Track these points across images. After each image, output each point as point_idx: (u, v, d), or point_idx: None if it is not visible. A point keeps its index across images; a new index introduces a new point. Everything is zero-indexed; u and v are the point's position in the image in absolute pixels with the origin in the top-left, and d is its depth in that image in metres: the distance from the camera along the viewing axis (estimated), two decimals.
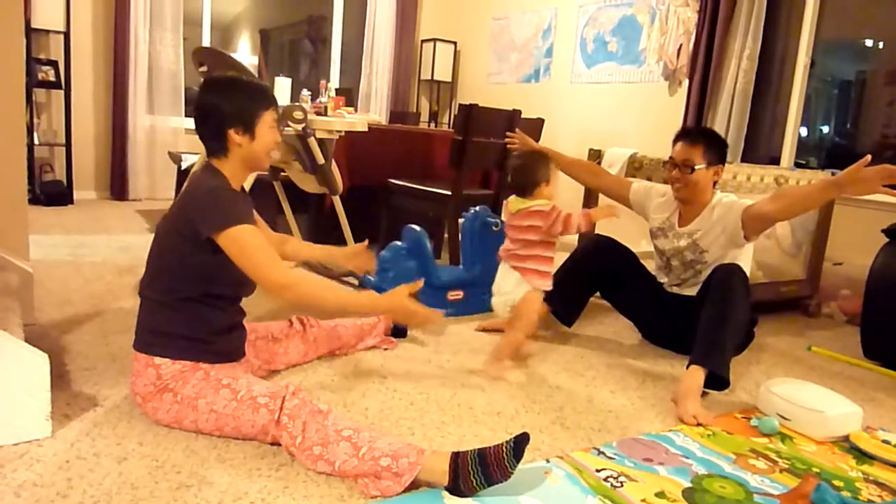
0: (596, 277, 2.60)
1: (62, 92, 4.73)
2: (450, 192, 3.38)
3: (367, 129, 3.30)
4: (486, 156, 3.59)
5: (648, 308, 2.58)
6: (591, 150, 3.23)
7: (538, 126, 4.59)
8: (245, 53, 7.10)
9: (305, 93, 3.36)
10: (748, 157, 4.26)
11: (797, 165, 4.13)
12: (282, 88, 3.36)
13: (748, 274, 2.28)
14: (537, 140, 4.54)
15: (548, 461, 1.59)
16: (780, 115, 4.23)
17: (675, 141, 2.38)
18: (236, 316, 1.75)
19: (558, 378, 2.17)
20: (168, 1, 5.20)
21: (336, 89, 5.20)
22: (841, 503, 1.46)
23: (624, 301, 2.66)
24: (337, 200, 3.20)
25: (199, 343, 1.61)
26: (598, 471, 1.56)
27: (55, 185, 4.81)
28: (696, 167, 2.30)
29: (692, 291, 2.39)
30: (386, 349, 2.30)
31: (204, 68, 2.93)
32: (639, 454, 1.67)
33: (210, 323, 1.62)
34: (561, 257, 2.77)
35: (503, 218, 2.28)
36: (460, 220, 3.04)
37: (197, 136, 1.68)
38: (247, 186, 2.78)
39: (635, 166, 3.11)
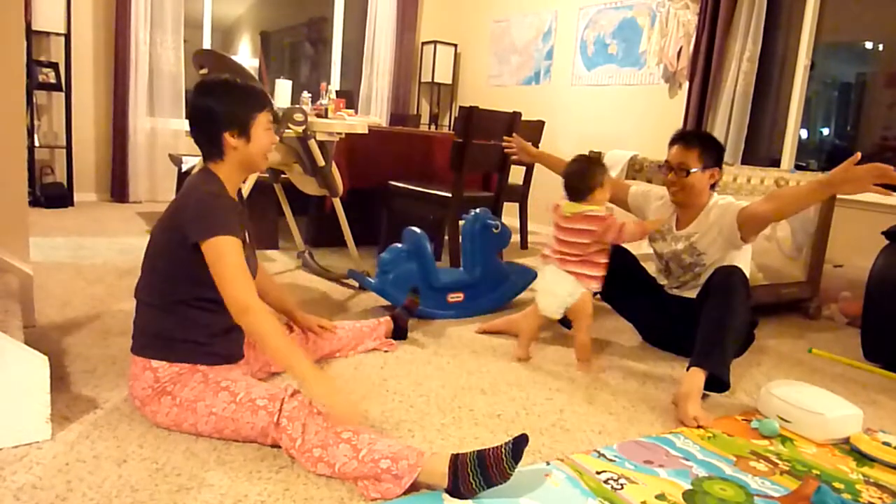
0: None
1: (63, 94, 4.74)
2: (450, 195, 3.39)
3: (367, 132, 3.30)
4: (486, 158, 3.60)
5: (648, 310, 2.58)
6: (591, 152, 3.22)
7: (539, 128, 4.60)
8: (245, 56, 7.11)
9: (306, 95, 3.36)
10: (748, 159, 4.26)
11: (797, 168, 4.13)
12: (282, 91, 3.36)
13: (748, 276, 2.28)
14: (537, 142, 4.56)
15: (548, 463, 1.59)
16: (780, 117, 4.23)
17: (671, 144, 2.38)
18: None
19: (558, 380, 2.17)
20: (169, 3, 5.21)
21: (336, 91, 5.20)
22: None
23: (624, 303, 2.66)
24: (337, 203, 3.21)
25: (196, 345, 1.61)
26: (598, 473, 1.56)
27: (56, 187, 4.81)
28: (692, 170, 2.30)
29: (692, 294, 2.39)
30: (386, 351, 2.30)
31: (204, 70, 2.94)
32: (639, 456, 1.67)
33: (207, 326, 1.62)
34: None
35: (554, 220, 2.28)
36: (461, 223, 3.05)
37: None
38: (246, 189, 2.80)
39: (636, 168, 3.11)
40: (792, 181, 3.09)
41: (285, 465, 1.47)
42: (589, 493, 1.47)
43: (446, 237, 3.66)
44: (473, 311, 2.83)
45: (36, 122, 4.74)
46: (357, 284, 3.09)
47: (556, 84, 5.61)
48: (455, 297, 2.81)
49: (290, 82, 3.40)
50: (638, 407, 2.01)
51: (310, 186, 3.28)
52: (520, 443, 1.39)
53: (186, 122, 5.32)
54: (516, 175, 4.32)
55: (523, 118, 3.71)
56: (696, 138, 2.36)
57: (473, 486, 1.36)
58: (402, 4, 6.32)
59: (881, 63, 4.02)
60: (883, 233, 2.75)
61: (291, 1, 7.39)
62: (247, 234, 1.72)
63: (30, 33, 4.43)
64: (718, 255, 2.34)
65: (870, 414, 2.08)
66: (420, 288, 2.63)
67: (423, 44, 6.59)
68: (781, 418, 1.94)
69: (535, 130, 4.57)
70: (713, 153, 2.34)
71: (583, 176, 2.21)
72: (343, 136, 3.23)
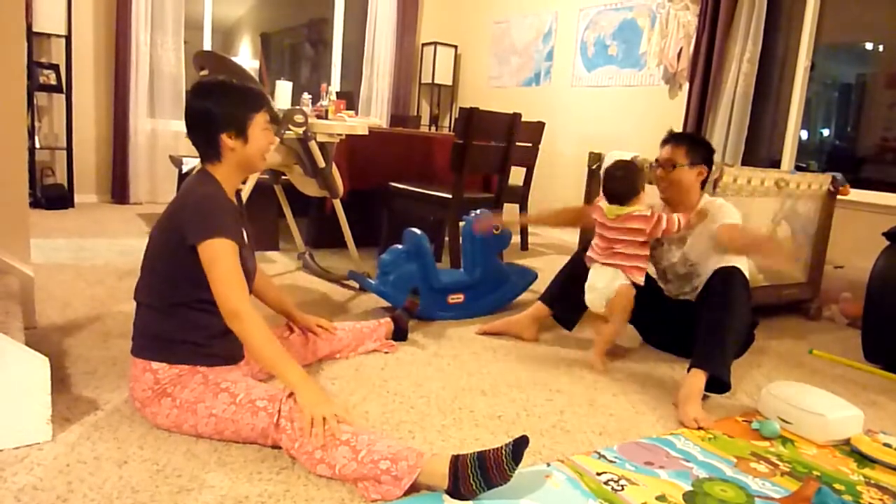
0: None
1: (63, 95, 4.74)
2: (450, 196, 3.39)
3: (367, 133, 3.30)
4: (486, 159, 3.60)
5: (649, 311, 2.58)
6: (591, 153, 3.22)
7: (539, 129, 4.61)
8: (246, 57, 7.11)
9: (306, 96, 3.36)
10: (749, 160, 4.26)
11: (798, 168, 4.12)
12: (282, 92, 3.36)
13: (748, 276, 2.28)
14: (538, 141, 4.57)
15: (548, 465, 1.59)
16: (780, 118, 4.23)
17: (662, 145, 2.46)
18: None
19: (559, 381, 2.17)
20: (169, 4, 5.21)
21: (337, 93, 5.17)
22: None
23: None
24: (338, 204, 3.21)
25: (196, 347, 1.61)
26: (598, 474, 1.56)
27: (56, 188, 4.82)
28: (678, 164, 2.37)
29: (692, 296, 2.40)
30: (386, 352, 2.30)
31: (205, 72, 2.94)
32: (640, 458, 1.67)
33: (206, 327, 1.62)
34: (560, 261, 2.78)
35: (599, 221, 2.38)
36: (461, 224, 3.05)
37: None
38: (247, 190, 2.80)
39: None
40: (792, 182, 3.09)
41: (286, 467, 1.47)
42: (589, 494, 1.47)
43: (447, 238, 3.66)
44: (474, 312, 2.83)
45: (36, 124, 4.75)
46: (357, 285, 3.09)
47: (557, 85, 5.61)
48: (455, 298, 2.81)
49: (290, 84, 3.40)
50: (638, 408, 2.01)
51: (310, 188, 3.28)
52: (520, 444, 1.39)
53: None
54: (516, 176, 4.32)
55: (523, 119, 3.71)
56: (684, 137, 2.48)
57: (474, 487, 1.36)
58: (403, 6, 6.32)
59: (881, 64, 4.02)
60: (884, 234, 2.74)
61: (291, 2, 7.40)
62: (245, 236, 1.72)
63: (30, 35, 4.43)
64: (711, 264, 2.35)
65: (870, 415, 2.08)
66: (420, 289, 2.63)
67: (424, 45, 6.60)
68: (782, 419, 1.94)
69: (535, 132, 4.57)
70: (701, 151, 2.41)
71: (627, 182, 2.32)
72: (343, 137, 3.23)
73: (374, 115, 6.36)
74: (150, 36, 5.15)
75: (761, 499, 1.52)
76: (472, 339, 2.55)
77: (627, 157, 3.19)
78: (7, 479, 1.34)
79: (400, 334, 2.41)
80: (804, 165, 4.19)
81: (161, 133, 5.31)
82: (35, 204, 4.63)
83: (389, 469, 1.36)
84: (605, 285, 2.32)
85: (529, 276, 3.10)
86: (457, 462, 1.38)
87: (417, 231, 2.73)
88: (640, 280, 2.34)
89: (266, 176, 3.44)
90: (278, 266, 3.53)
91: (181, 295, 1.60)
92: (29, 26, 4.38)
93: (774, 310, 3.27)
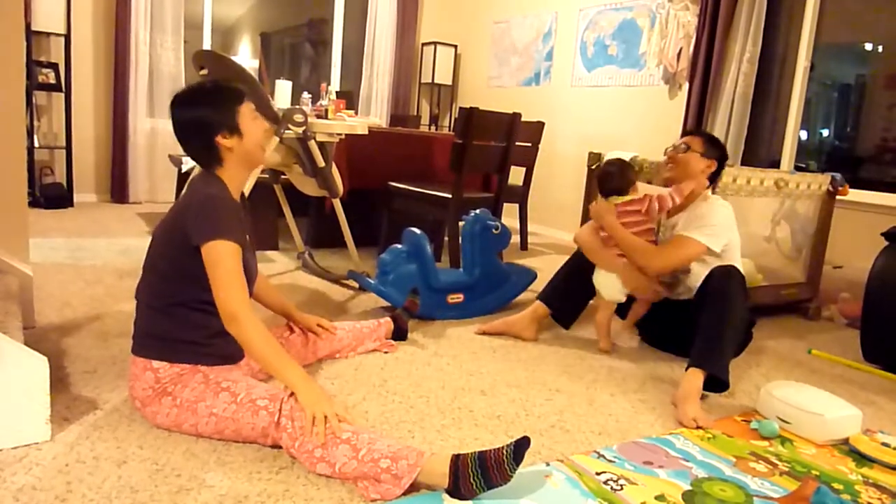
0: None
1: (62, 94, 4.74)
2: (450, 195, 3.39)
3: (367, 133, 3.31)
4: (486, 159, 3.60)
5: (648, 311, 2.58)
6: (591, 153, 3.23)
7: (539, 129, 4.61)
8: (246, 57, 7.10)
9: (306, 96, 3.36)
10: (748, 160, 4.26)
11: (797, 169, 4.13)
12: (282, 91, 3.36)
13: (745, 275, 2.29)
14: (538, 141, 4.57)
15: (548, 464, 1.59)
16: (780, 118, 4.23)
17: (682, 136, 2.55)
18: None
19: (558, 381, 2.17)
20: (169, 4, 5.21)
21: (336, 92, 5.18)
22: None
23: (623, 304, 2.66)
24: (337, 203, 3.21)
25: (196, 346, 1.61)
26: (598, 474, 1.56)
27: (55, 187, 4.81)
28: (692, 149, 2.43)
29: (689, 295, 2.39)
30: (386, 352, 2.30)
31: (204, 71, 2.93)
32: (639, 457, 1.67)
33: (207, 327, 1.62)
34: (560, 260, 2.78)
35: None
36: (460, 223, 3.05)
37: None
38: (247, 190, 2.80)
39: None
40: (792, 182, 3.09)
41: (285, 466, 1.47)
42: (589, 494, 1.47)
43: (446, 238, 3.66)
44: (473, 311, 2.84)
45: (35, 123, 4.74)
46: (357, 285, 3.09)
47: (556, 85, 5.61)
48: (455, 297, 2.81)
49: (290, 83, 3.40)
50: (637, 408, 2.01)
51: (310, 187, 3.28)
52: (521, 445, 1.39)
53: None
54: (516, 176, 4.32)
55: (523, 119, 3.71)
56: (703, 133, 2.56)
57: (474, 486, 1.36)
58: (403, 5, 6.32)
59: (881, 64, 4.02)
60: (882, 234, 2.75)
61: (291, 2, 7.39)
62: (247, 236, 1.72)
63: (29, 34, 4.43)
64: (696, 270, 2.36)
65: (869, 415, 2.09)
66: (420, 289, 2.63)
67: (424, 45, 6.59)
68: (781, 419, 1.94)
69: (534, 131, 4.57)
70: (717, 149, 2.47)
71: (623, 175, 2.44)
72: (343, 136, 3.23)
73: (373, 114, 6.36)
74: (150, 35, 5.15)
75: (760, 498, 1.52)
76: (472, 339, 2.55)
77: (627, 156, 3.19)
78: (6, 479, 1.34)
79: (399, 334, 2.42)
80: (803, 165, 4.19)
81: (160, 132, 5.30)
82: (34, 203, 4.63)
83: (389, 468, 1.36)
84: (618, 275, 2.42)
85: (529, 276, 3.10)
86: (457, 461, 1.38)
87: (417, 231, 2.73)
88: None
89: (266, 175, 3.43)
90: (278, 266, 3.53)
91: (183, 294, 1.60)
92: (28, 25, 4.37)
93: (773, 309, 3.27)
